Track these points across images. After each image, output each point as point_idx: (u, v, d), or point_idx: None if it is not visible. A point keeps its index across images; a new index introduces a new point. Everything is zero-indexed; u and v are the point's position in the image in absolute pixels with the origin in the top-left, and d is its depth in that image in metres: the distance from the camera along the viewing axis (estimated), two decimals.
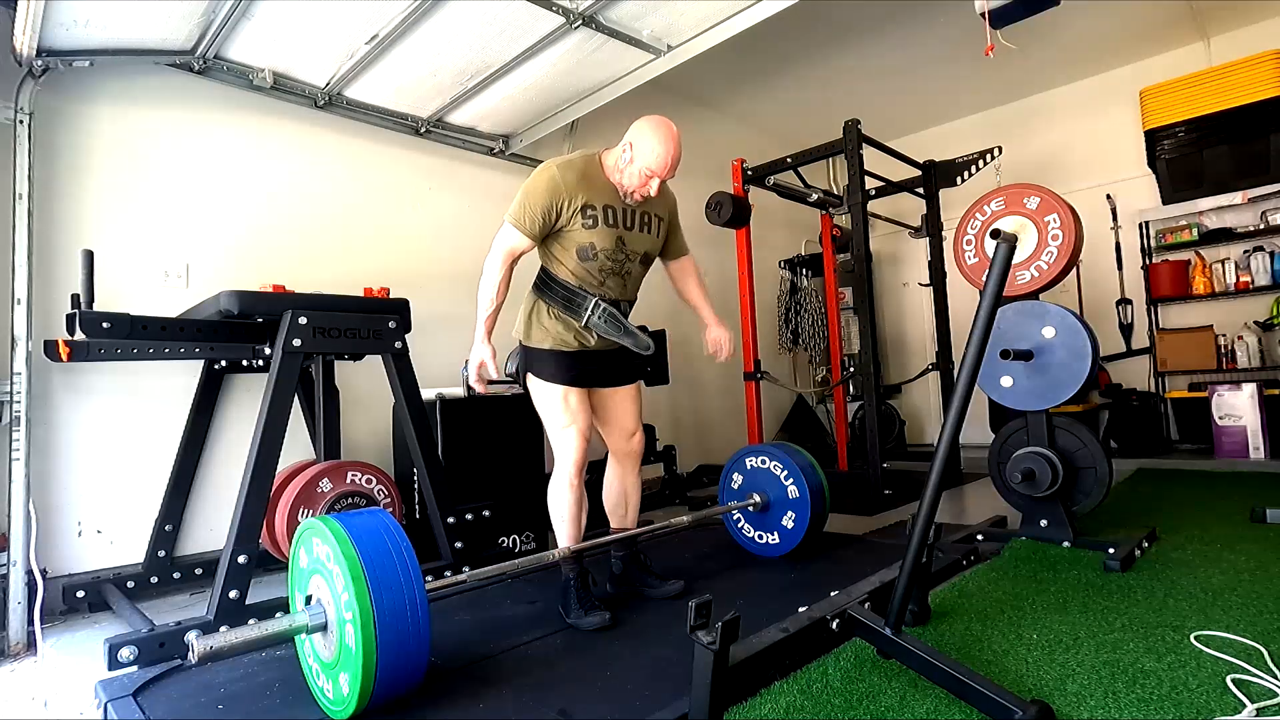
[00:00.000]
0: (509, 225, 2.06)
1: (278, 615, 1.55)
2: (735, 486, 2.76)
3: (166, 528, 2.69)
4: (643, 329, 2.21)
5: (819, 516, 2.57)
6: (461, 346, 3.55)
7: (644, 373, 2.37)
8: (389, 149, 3.63)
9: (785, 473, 2.61)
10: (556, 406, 2.11)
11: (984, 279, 1.59)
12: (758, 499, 2.65)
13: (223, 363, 2.75)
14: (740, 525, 2.75)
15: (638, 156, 2.00)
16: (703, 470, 4.43)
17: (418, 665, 1.50)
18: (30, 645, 2.22)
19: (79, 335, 2.28)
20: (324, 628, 1.52)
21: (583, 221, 2.04)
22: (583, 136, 4.47)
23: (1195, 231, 4.97)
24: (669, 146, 1.99)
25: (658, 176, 2.01)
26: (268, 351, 2.47)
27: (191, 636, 1.37)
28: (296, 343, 2.21)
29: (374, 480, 2.55)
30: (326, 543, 1.50)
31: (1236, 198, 4.68)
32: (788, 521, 2.59)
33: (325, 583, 1.52)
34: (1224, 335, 4.81)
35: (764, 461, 2.68)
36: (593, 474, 2.32)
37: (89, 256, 2.30)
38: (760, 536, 2.68)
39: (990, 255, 2.12)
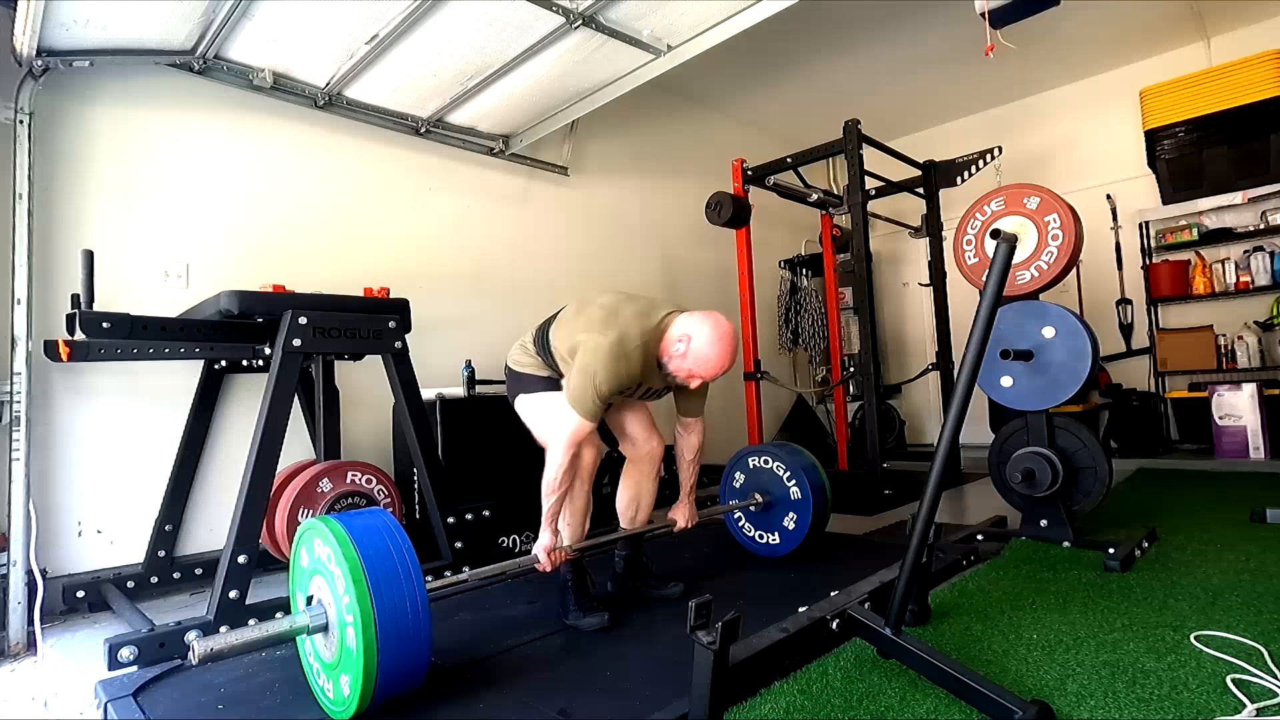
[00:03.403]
0: (575, 413, 1.90)
1: (278, 615, 1.55)
2: (737, 486, 2.76)
3: (166, 528, 2.69)
4: None
5: (820, 517, 2.57)
6: (461, 346, 3.58)
7: None
8: (389, 149, 3.63)
9: (787, 473, 2.61)
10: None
11: (984, 279, 1.59)
12: (759, 499, 2.64)
13: (223, 363, 2.74)
14: (741, 525, 2.75)
15: (691, 356, 1.93)
16: (703, 470, 4.38)
17: (419, 666, 1.50)
18: (30, 645, 2.22)
19: (79, 335, 2.27)
20: (325, 629, 1.52)
21: (620, 394, 2.02)
22: (583, 136, 4.48)
23: (1195, 231, 4.97)
24: (724, 361, 1.94)
25: (703, 380, 1.98)
26: (268, 351, 2.47)
27: (192, 637, 1.38)
28: (296, 343, 2.21)
29: (374, 480, 2.55)
30: (328, 544, 1.50)
31: (1236, 198, 4.68)
32: (789, 522, 2.59)
33: (326, 584, 1.52)
34: (1224, 335, 4.81)
35: (766, 461, 2.68)
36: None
37: (89, 256, 2.30)
38: (761, 536, 2.68)
39: (990, 255, 2.12)
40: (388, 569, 1.47)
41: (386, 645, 1.41)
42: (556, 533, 1.98)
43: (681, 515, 2.31)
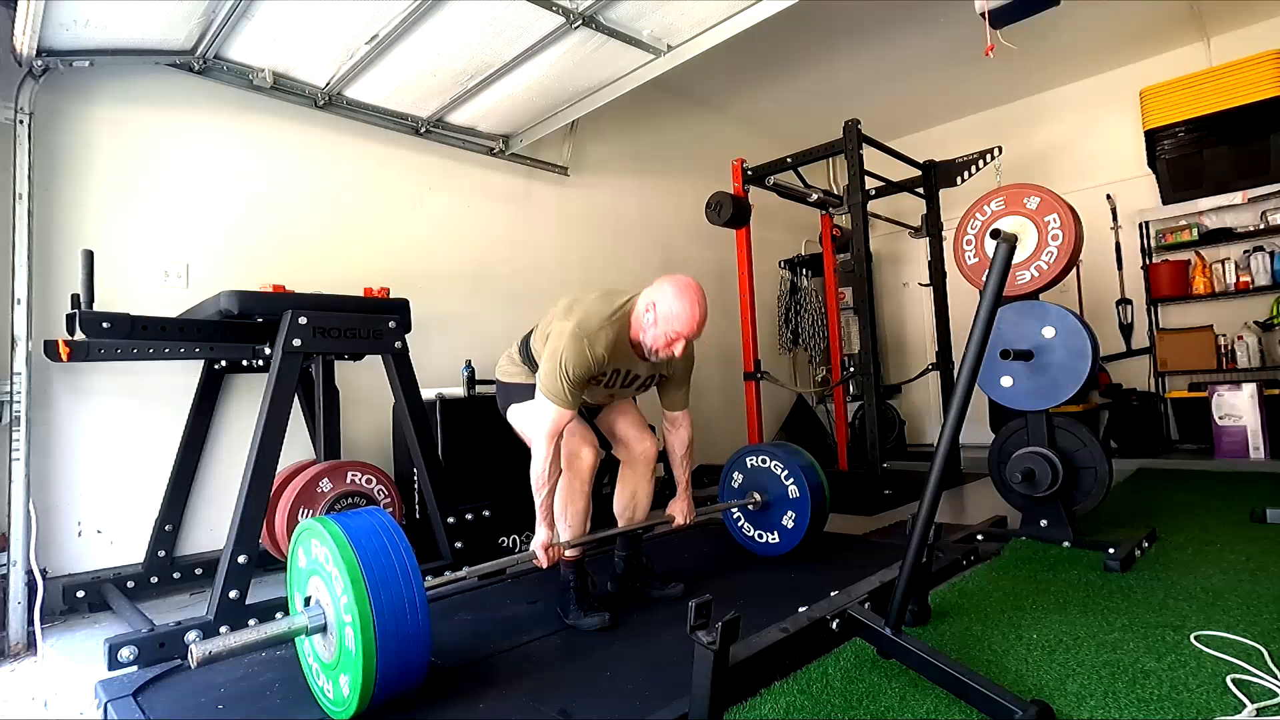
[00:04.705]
0: (549, 402, 1.92)
1: (277, 616, 1.55)
2: (735, 486, 2.76)
3: (166, 528, 2.69)
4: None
5: (819, 516, 2.57)
6: (461, 346, 3.58)
7: None
8: (389, 149, 3.63)
9: (785, 472, 2.61)
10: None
11: (984, 279, 1.59)
12: (758, 498, 2.64)
13: (223, 363, 2.74)
14: (740, 524, 2.75)
15: (661, 319, 1.92)
16: (703, 470, 4.42)
17: (418, 666, 1.50)
18: (30, 645, 2.22)
19: (79, 335, 2.27)
20: (324, 629, 1.52)
21: (594, 381, 2.03)
22: (583, 136, 4.48)
23: (1195, 231, 4.97)
24: (695, 310, 1.92)
25: (684, 338, 1.94)
26: (268, 351, 2.47)
27: (192, 638, 1.37)
28: (296, 343, 2.21)
29: (374, 480, 2.55)
30: (325, 544, 1.50)
31: (1236, 198, 4.68)
32: (788, 521, 2.59)
33: (324, 584, 1.52)
34: (1224, 335, 4.81)
35: (764, 461, 2.68)
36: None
37: (89, 256, 2.30)
38: (760, 536, 2.68)
39: (990, 255, 2.12)
40: (386, 569, 1.47)
41: (386, 645, 1.41)
42: (552, 527, 1.98)
43: (679, 511, 2.32)
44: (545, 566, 1.96)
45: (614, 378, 2.08)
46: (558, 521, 2.08)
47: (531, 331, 2.19)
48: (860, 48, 4.75)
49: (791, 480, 2.59)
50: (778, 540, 2.63)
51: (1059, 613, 1.90)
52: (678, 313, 1.92)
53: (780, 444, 2.75)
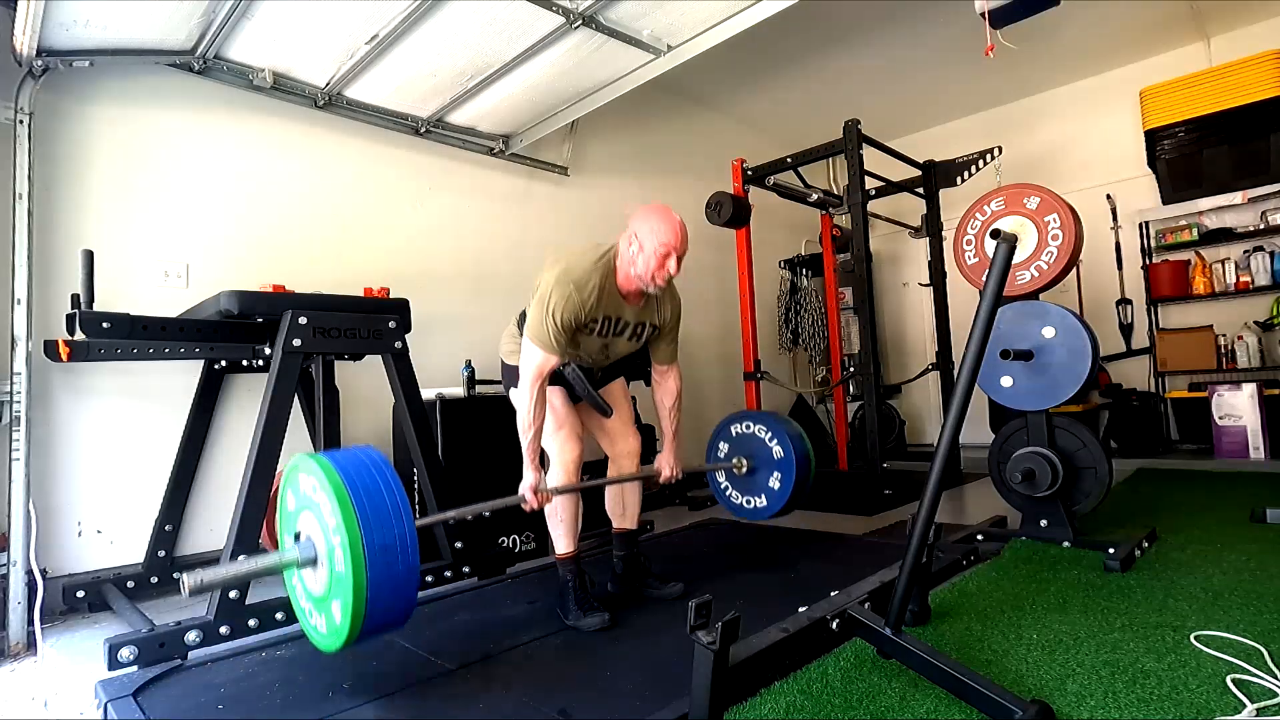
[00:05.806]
0: (534, 347, 1.95)
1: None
2: (722, 455, 2.77)
3: (166, 528, 2.69)
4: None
5: (804, 478, 2.57)
6: (461, 346, 3.58)
7: (626, 372, 2.37)
8: (389, 149, 3.63)
9: (769, 434, 2.62)
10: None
11: (984, 279, 1.59)
12: (744, 464, 2.65)
13: (223, 363, 2.74)
14: (727, 491, 2.76)
15: (646, 242, 1.96)
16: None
17: (408, 590, 1.49)
18: (30, 645, 2.22)
19: (79, 335, 2.27)
20: (314, 561, 1.51)
21: (584, 330, 2.04)
22: (583, 136, 4.48)
23: (1195, 231, 4.97)
24: (673, 220, 1.99)
25: (674, 252, 1.98)
26: (268, 351, 2.47)
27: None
28: (296, 343, 2.21)
29: None
30: (312, 474, 1.49)
31: (1236, 198, 4.68)
32: (774, 483, 2.60)
33: (314, 515, 1.50)
34: (1224, 335, 4.80)
35: (748, 426, 2.69)
36: (589, 473, 2.32)
37: (89, 256, 2.30)
38: (748, 501, 2.69)
39: (990, 255, 2.12)
40: (372, 491, 1.46)
41: (375, 565, 1.40)
42: (539, 470, 2.00)
43: (666, 464, 2.31)
44: (534, 508, 1.99)
45: (605, 325, 2.08)
46: (549, 518, 2.12)
47: (528, 307, 2.19)
48: (860, 48, 4.75)
49: (775, 441, 2.60)
50: (765, 504, 2.64)
51: (1059, 613, 1.90)
52: (657, 227, 1.97)
53: (764, 411, 2.75)
